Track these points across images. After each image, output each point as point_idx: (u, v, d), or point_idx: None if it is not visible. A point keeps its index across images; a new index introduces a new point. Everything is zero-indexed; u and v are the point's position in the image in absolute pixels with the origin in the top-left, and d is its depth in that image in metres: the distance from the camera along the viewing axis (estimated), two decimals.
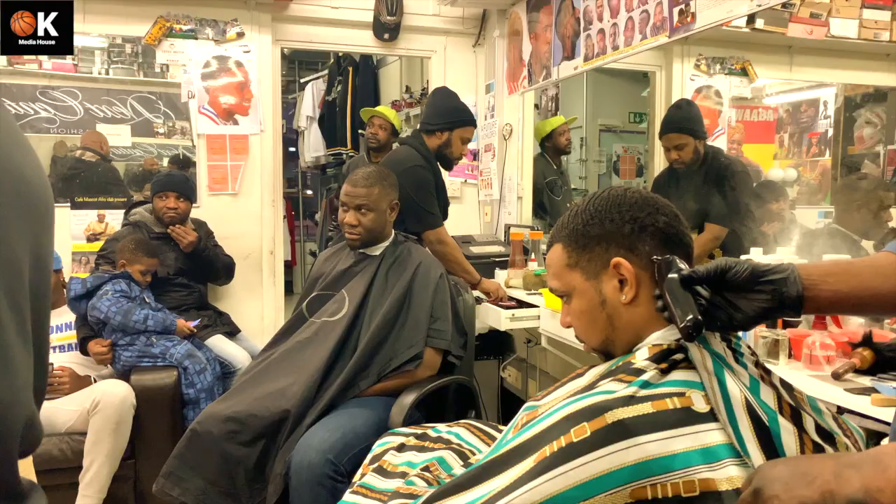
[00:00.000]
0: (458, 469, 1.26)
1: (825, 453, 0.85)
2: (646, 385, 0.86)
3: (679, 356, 0.90)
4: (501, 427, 1.41)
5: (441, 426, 1.47)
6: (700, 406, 0.86)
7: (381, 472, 1.33)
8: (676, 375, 0.88)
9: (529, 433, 0.89)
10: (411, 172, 2.64)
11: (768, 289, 0.84)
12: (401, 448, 1.40)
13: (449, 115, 2.79)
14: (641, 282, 0.96)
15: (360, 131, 4.78)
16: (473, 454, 1.33)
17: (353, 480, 1.38)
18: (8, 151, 0.55)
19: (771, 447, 0.84)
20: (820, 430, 0.88)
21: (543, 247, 2.86)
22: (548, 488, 0.82)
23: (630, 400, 0.84)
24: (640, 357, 0.91)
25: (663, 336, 0.94)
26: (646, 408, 0.84)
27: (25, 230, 0.57)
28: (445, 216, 2.84)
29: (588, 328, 1.02)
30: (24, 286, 0.56)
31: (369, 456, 1.45)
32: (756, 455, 0.83)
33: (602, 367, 0.96)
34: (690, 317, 0.84)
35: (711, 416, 0.85)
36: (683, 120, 2.78)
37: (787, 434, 0.85)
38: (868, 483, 0.67)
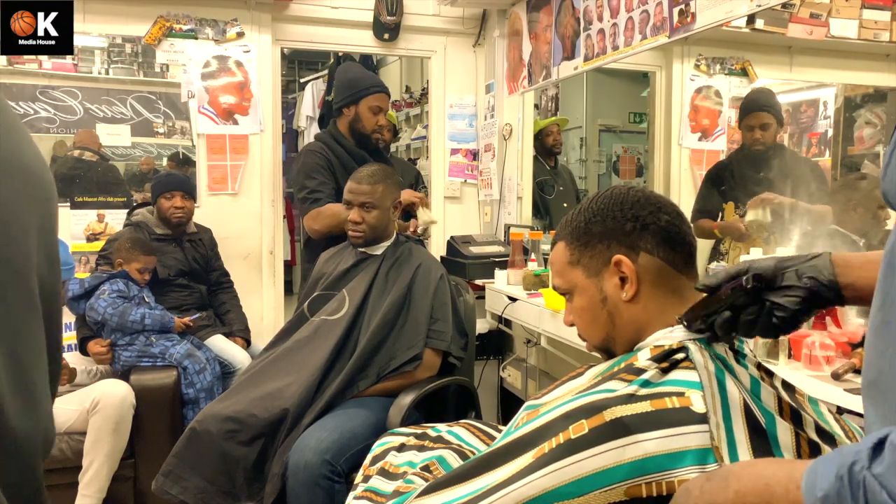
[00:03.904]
0: None
1: (745, 461, 0.84)
2: (646, 384, 0.86)
3: (680, 356, 0.90)
4: (501, 427, 1.40)
5: (441, 426, 1.47)
6: (699, 406, 0.85)
7: (386, 474, 1.33)
8: (677, 375, 0.88)
9: (528, 428, 0.90)
10: (298, 160, 2.59)
11: (794, 274, 0.84)
12: (401, 448, 1.39)
13: (350, 87, 2.61)
14: (642, 280, 0.96)
15: None
16: (473, 454, 1.33)
17: (355, 482, 1.37)
18: (11, 142, 0.55)
19: (767, 450, 0.84)
20: (820, 430, 0.88)
21: (543, 247, 2.85)
22: (543, 483, 0.83)
23: (629, 398, 0.85)
24: (642, 358, 0.91)
25: (664, 336, 0.94)
26: (645, 406, 0.84)
27: (34, 223, 0.56)
28: None
29: (589, 326, 1.02)
30: (34, 286, 0.55)
31: (369, 456, 1.44)
32: (745, 458, 0.82)
33: (601, 367, 0.96)
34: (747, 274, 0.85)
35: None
36: (772, 100, 2.85)
37: (784, 431, 0.85)
38: (712, 499, 0.68)
